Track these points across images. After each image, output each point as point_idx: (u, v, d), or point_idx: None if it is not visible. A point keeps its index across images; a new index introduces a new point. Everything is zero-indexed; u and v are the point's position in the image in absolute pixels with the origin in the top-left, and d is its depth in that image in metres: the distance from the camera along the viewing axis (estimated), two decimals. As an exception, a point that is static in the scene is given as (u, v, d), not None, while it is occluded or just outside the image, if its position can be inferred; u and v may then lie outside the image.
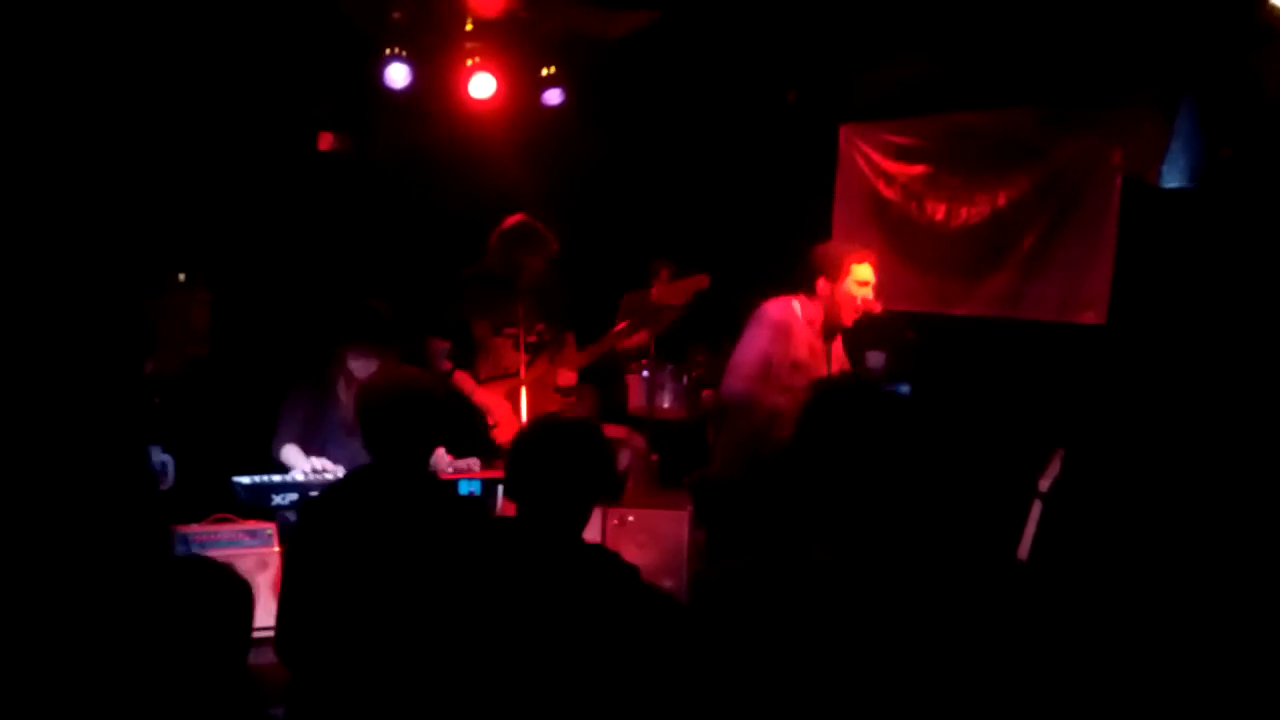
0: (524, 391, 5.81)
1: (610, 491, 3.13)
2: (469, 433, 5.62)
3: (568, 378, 6.18)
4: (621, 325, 6.31)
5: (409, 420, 3.54)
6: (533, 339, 5.99)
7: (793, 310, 5.05)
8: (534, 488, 2.95)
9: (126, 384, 4.51)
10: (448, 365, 5.88)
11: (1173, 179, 5.65)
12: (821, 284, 5.05)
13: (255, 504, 4.78)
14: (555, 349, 6.10)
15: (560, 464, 2.95)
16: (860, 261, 5.07)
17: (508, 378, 5.93)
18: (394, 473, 3.54)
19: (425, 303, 6.18)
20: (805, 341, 5.04)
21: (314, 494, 4.61)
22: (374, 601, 3.27)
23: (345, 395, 5.12)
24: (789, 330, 5.01)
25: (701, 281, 6.12)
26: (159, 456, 5.21)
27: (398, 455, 3.54)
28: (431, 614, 2.91)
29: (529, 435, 3.11)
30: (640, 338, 6.38)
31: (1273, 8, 4.79)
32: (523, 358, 5.88)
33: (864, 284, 5.05)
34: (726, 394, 5.06)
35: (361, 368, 5.10)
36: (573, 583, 2.82)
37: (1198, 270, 5.47)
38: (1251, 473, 4.99)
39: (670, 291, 6.17)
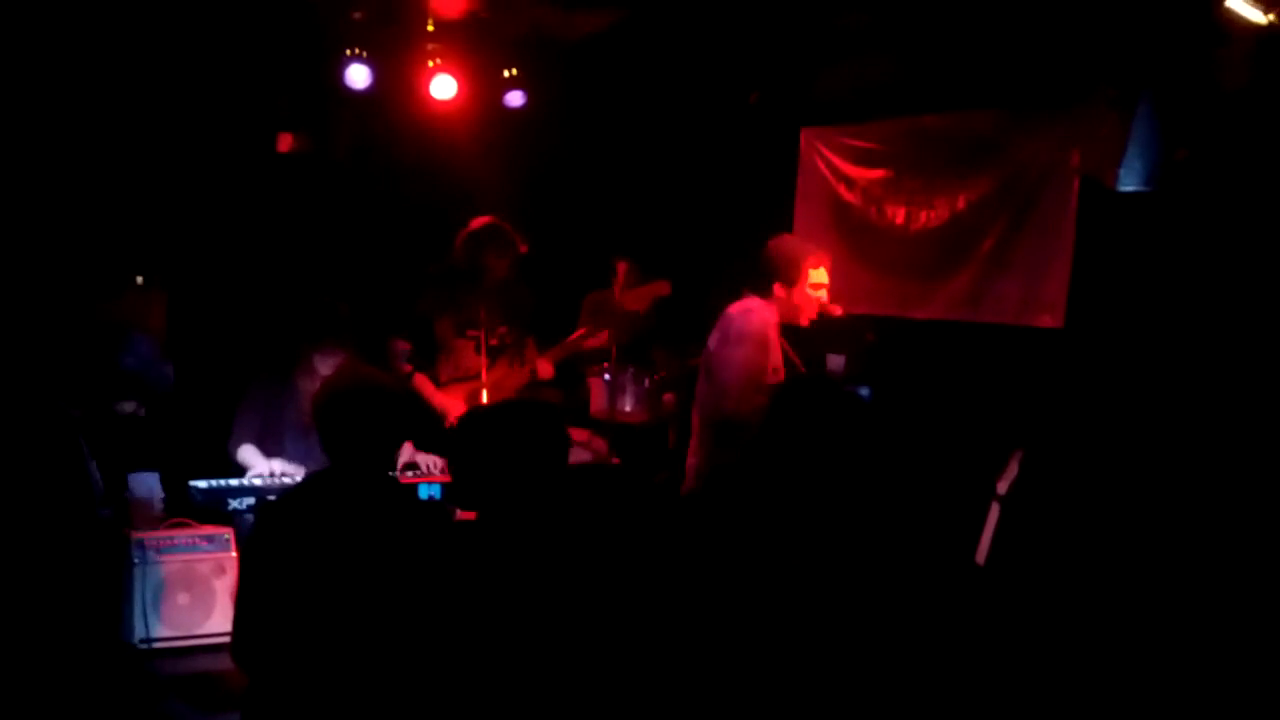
0: (484, 394, 5.79)
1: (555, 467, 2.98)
2: (431, 434, 5.59)
3: (545, 369, 6.18)
4: (581, 330, 6.30)
5: (368, 422, 3.51)
6: (494, 342, 5.97)
7: (765, 317, 4.99)
8: (476, 478, 2.89)
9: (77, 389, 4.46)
10: (408, 368, 5.86)
11: (1130, 182, 5.69)
12: (778, 288, 5.02)
13: (212, 508, 4.75)
14: (516, 352, 6.07)
15: (502, 446, 2.90)
16: (816, 265, 5.05)
17: (469, 380, 5.91)
18: (353, 476, 3.51)
19: (386, 303, 6.16)
20: (776, 344, 5.02)
21: (271, 498, 4.58)
22: (333, 607, 3.24)
23: (307, 394, 5.07)
24: (767, 339, 4.97)
25: (663, 288, 6.13)
26: (152, 482, 5.18)
27: (356, 458, 3.51)
28: (391, 619, 2.89)
29: (464, 422, 3.05)
30: (601, 339, 6.37)
31: (1228, 8, 4.83)
32: (484, 360, 5.86)
33: (819, 286, 5.04)
34: (731, 417, 4.88)
35: (328, 366, 5.06)
36: (543, 583, 2.80)
37: (1155, 273, 5.51)
38: (1210, 473, 5.02)
39: (632, 296, 6.18)
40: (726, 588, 2.40)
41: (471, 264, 5.89)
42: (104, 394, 4.65)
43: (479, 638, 2.75)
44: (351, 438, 3.49)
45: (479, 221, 5.96)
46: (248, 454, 5.07)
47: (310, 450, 4.95)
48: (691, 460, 5.17)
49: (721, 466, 4.95)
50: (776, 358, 4.99)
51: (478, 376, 5.87)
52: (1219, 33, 5.06)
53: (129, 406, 4.73)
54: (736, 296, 5.14)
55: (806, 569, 2.37)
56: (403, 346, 5.89)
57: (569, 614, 2.79)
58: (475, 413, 3.05)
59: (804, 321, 5.06)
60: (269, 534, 3.47)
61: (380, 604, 2.93)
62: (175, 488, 4.89)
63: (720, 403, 4.94)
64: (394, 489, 3.71)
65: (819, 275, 5.04)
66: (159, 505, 5.24)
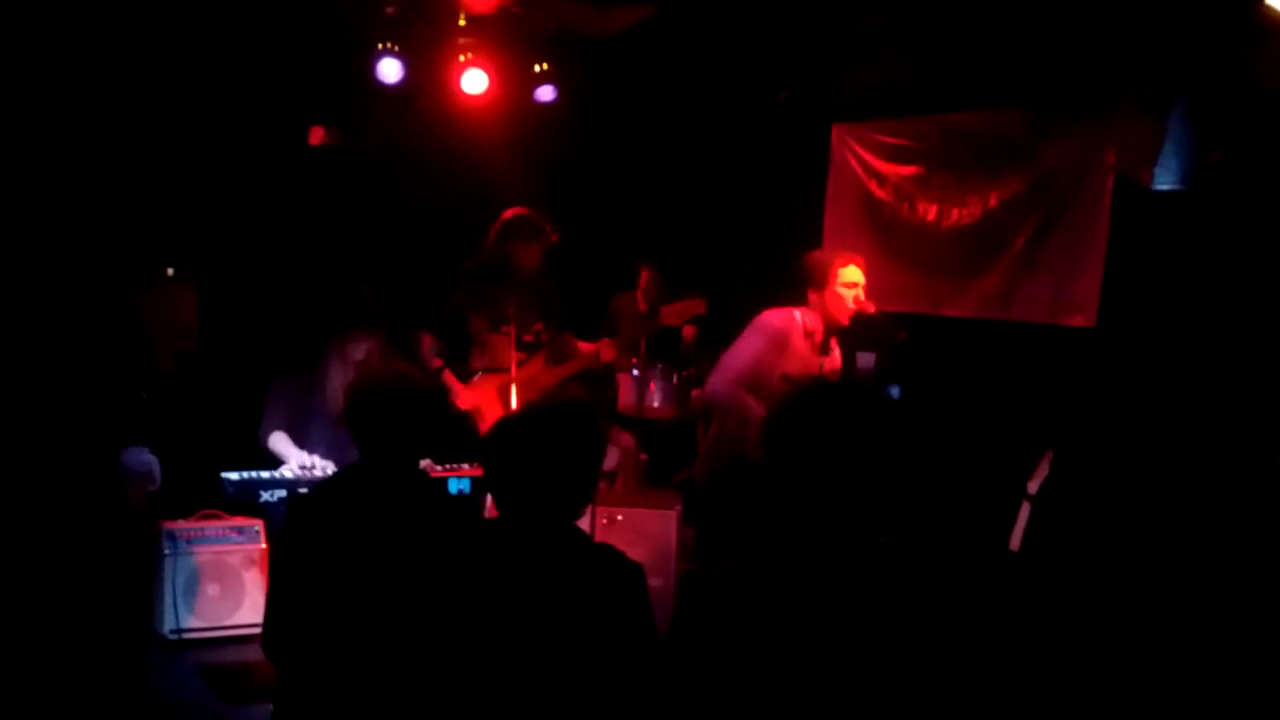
0: (514, 389, 5.77)
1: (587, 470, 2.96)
2: (456, 436, 5.58)
3: (607, 353, 6.12)
4: (592, 347, 6.21)
5: (402, 418, 3.51)
6: (529, 338, 5.94)
7: (794, 320, 5.00)
8: (511, 476, 2.89)
9: (112, 381, 4.49)
10: (437, 362, 5.85)
11: (1165, 181, 5.65)
12: (811, 294, 5.04)
13: (243, 500, 4.76)
14: (552, 349, 6.04)
15: (538, 448, 2.88)
16: (845, 265, 5.05)
17: (500, 372, 5.90)
18: (385, 470, 3.51)
19: (416, 297, 6.16)
20: (800, 355, 5.01)
21: (303, 490, 4.59)
22: (364, 600, 3.25)
23: (338, 382, 5.08)
24: (787, 341, 4.97)
25: (698, 306, 6.11)
26: (145, 457, 5.19)
27: (390, 453, 3.52)
28: (422, 613, 2.89)
29: (506, 421, 3.04)
30: (611, 353, 6.25)
31: (1268, 7, 4.78)
32: (515, 355, 5.84)
33: (852, 285, 5.03)
34: (710, 392, 5.04)
35: (358, 353, 5.08)
36: (567, 582, 2.80)
37: (1189, 273, 5.48)
38: (1240, 474, 4.99)
39: (670, 313, 6.15)
40: (752, 585, 2.39)
41: (501, 255, 5.89)
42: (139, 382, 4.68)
43: (507, 634, 2.75)
44: (385, 433, 3.50)
45: (510, 212, 5.96)
46: (279, 442, 5.08)
47: (338, 439, 4.97)
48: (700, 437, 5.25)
49: (723, 459, 4.99)
50: (792, 365, 4.97)
51: (509, 370, 5.88)
52: (1257, 31, 5.01)
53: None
54: (768, 302, 5.15)
55: (837, 567, 2.36)
56: (430, 341, 5.88)
57: (595, 611, 2.79)
58: (508, 421, 3.03)
59: (844, 320, 5.05)
60: (301, 526, 3.48)
61: (409, 598, 2.93)
62: (207, 479, 4.91)
63: (713, 377, 5.03)
64: (425, 483, 3.72)
65: (849, 274, 5.03)
66: (157, 481, 5.25)
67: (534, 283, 5.92)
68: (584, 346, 6.15)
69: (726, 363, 5.01)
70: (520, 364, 5.85)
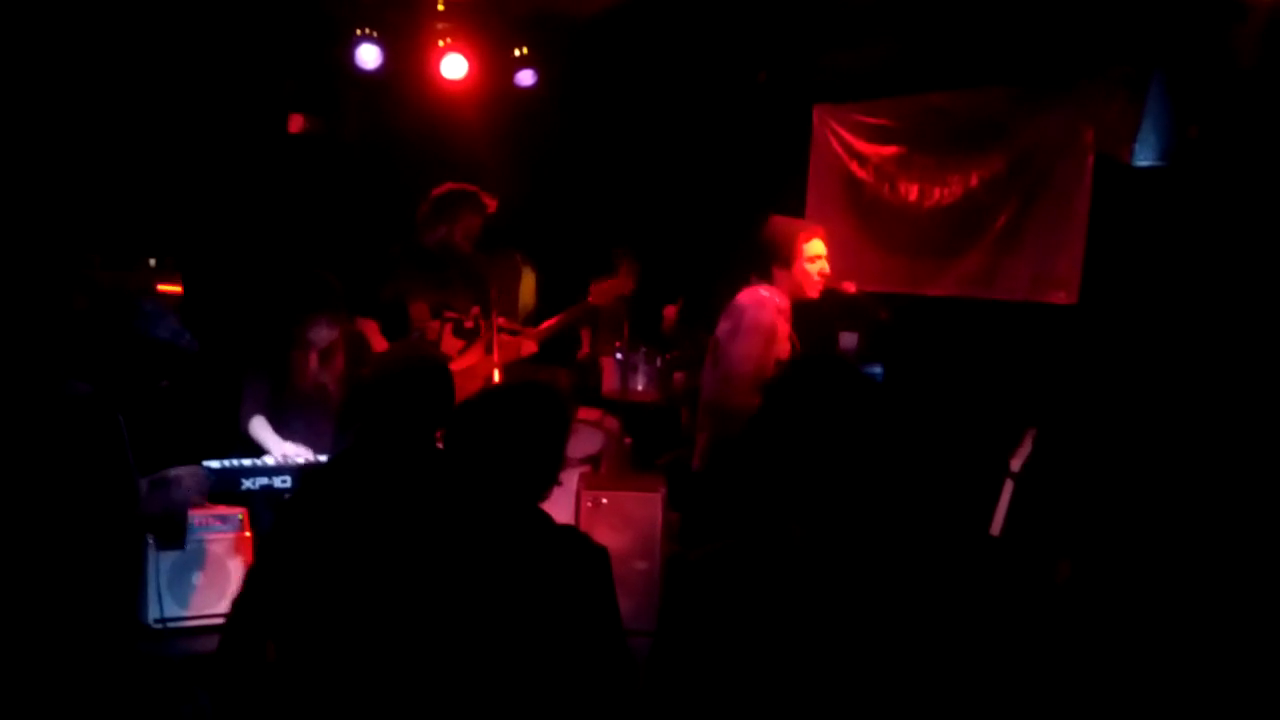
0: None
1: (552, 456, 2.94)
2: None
3: (529, 347, 6.05)
4: (553, 321, 6.14)
5: (421, 396, 3.51)
6: (469, 324, 5.82)
7: (774, 304, 4.96)
8: (472, 459, 2.87)
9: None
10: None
11: (1144, 157, 5.66)
12: (777, 270, 4.99)
13: (225, 489, 4.74)
14: (496, 336, 5.82)
15: (499, 430, 2.85)
16: (810, 239, 5.00)
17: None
18: (399, 448, 3.48)
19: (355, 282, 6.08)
20: (785, 335, 4.99)
21: (285, 482, 4.58)
22: (359, 576, 3.23)
23: (302, 369, 5.06)
24: (776, 330, 4.94)
25: (625, 286, 6.06)
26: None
27: (407, 431, 3.50)
28: (388, 598, 2.87)
29: (468, 403, 2.99)
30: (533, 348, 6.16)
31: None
32: (455, 343, 5.74)
33: (816, 259, 5.00)
34: (735, 411, 4.79)
35: (323, 338, 5.05)
36: (531, 566, 2.78)
37: (1169, 249, 5.49)
38: (1224, 452, 5.01)
39: (597, 291, 6.08)
40: (736, 568, 2.39)
41: (440, 235, 5.75)
42: (143, 369, 4.64)
43: (470, 618, 2.74)
44: (405, 410, 3.48)
45: (444, 187, 5.80)
46: (259, 428, 5.06)
47: (313, 424, 4.98)
48: (699, 439, 5.17)
49: (725, 444, 4.92)
50: (783, 348, 4.95)
51: (448, 360, 5.74)
52: (1233, 8, 5.03)
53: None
54: (743, 280, 5.11)
55: (817, 548, 2.36)
56: (370, 325, 5.68)
57: (559, 594, 2.78)
58: (469, 403, 3.00)
59: (812, 294, 5.01)
60: (307, 498, 3.46)
61: (394, 584, 2.92)
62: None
63: (726, 393, 4.91)
64: (437, 460, 3.67)
65: (814, 247, 5.00)
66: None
67: (468, 266, 5.78)
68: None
69: (738, 374, 4.87)
70: (460, 353, 5.75)
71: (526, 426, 2.87)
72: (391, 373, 3.54)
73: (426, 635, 2.76)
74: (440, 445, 4.86)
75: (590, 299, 6.07)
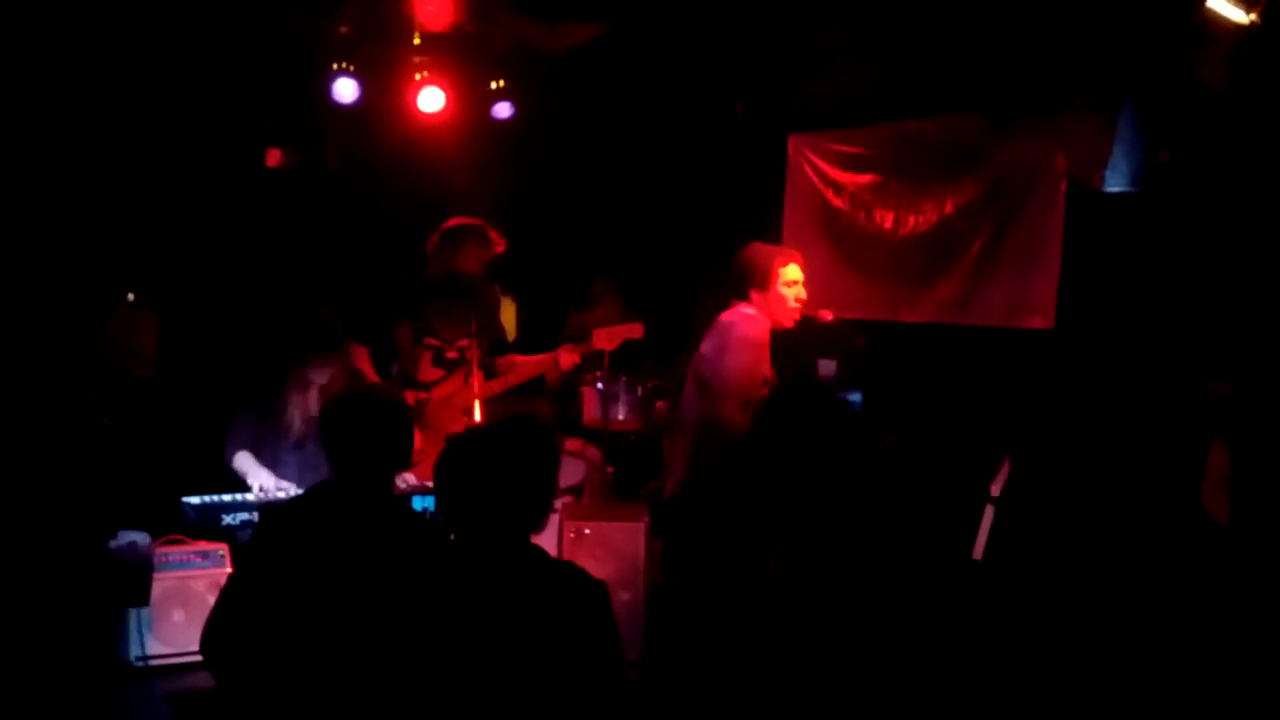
0: (426, 409, 5.67)
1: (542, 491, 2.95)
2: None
3: (636, 330, 6.04)
4: (547, 357, 6.14)
5: (374, 435, 3.50)
6: (453, 354, 5.81)
7: (764, 325, 4.97)
8: (464, 496, 2.87)
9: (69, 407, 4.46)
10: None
11: (1115, 183, 5.72)
12: (754, 294, 5.01)
13: (205, 524, 4.73)
14: (485, 368, 5.87)
15: (489, 466, 2.83)
16: (786, 264, 5.02)
17: (418, 388, 5.74)
18: (356, 488, 3.50)
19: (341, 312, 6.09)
20: (767, 357, 5.00)
21: (276, 501, 4.58)
22: (323, 618, 3.24)
23: (297, 409, 5.06)
24: (764, 345, 4.95)
25: (635, 330, 6.05)
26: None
27: (360, 470, 3.50)
28: (380, 635, 2.87)
29: (456, 439, 2.98)
30: (574, 358, 6.19)
31: (1210, 9, 4.86)
32: (433, 372, 5.77)
33: (793, 284, 5.02)
34: (725, 422, 4.80)
35: (322, 377, 5.04)
36: (529, 602, 2.78)
37: (1143, 273, 5.54)
38: (1200, 472, 5.04)
39: (604, 335, 6.08)
40: (725, 595, 2.40)
41: (444, 266, 5.76)
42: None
43: (468, 657, 2.74)
44: (356, 449, 3.48)
45: (454, 221, 5.83)
46: (243, 461, 5.04)
47: (303, 462, 4.95)
48: (675, 467, 5.16)
49: (715, 461, 4.91)
50: (769, 367, 4.97)
51: (427, 388, 5.74)
52: (1200, 34, 5.09)
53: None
54: (720, 307, 5.13)
55: (805, 572, 2.38)
56: (359, 350, 5.68)
57: (558, 630, 2.78)
58: (458, 439, 3.00)
59: (787, 322, 5.03)
60: (269, 538, 3.46)
61: (368, 619, 2.91)
62: (168, 505, 4.88)
63: (717, 409, 4.87)
64: (392, 502, 3.70)
65: (790, 272, 5.01)
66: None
67: (473, 296, 5.78)
68: (537, 357, 6.07)
69: (730, 389, 4.85)
70: (437, 382, 5.76)
71: (518, 462, 2.87)
72: (338, 416, 3.54)
73: (427, 678, 2.76)
74: (413, 485, 4.94)
75: (595, 343, 6.06)
